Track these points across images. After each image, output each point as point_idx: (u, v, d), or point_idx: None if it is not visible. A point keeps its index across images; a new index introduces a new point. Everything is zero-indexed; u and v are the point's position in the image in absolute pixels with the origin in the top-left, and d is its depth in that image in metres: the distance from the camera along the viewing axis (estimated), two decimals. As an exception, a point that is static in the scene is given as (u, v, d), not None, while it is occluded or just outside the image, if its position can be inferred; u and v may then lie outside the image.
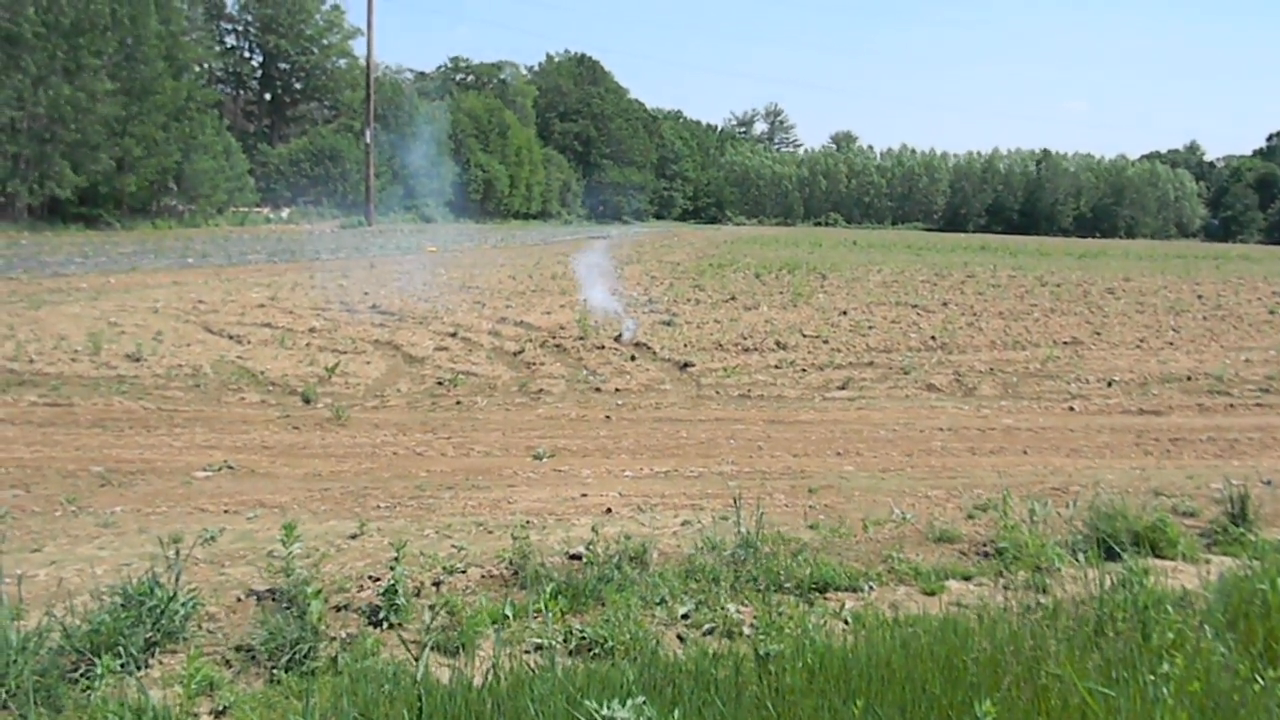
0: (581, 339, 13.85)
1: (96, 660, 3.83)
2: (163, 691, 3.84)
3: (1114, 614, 4.23)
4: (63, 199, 37.94)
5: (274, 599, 4.71)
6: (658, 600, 4.88)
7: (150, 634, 4.16)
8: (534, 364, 12.15)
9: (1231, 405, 11.02)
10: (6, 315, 14.18)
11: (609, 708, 3.05)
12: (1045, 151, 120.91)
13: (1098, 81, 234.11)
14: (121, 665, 3.90)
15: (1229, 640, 4.00)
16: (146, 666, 4.06)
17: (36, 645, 3.90)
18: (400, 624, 4.54)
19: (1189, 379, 12.30)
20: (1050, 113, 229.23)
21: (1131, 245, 78.20)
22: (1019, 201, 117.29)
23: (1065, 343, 15.14)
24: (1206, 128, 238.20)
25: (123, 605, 4.19)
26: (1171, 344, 15.52)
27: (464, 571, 5.20)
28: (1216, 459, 8.60)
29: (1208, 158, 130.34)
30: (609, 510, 6.51)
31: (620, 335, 14.23)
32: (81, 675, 3.85)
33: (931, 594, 5.19)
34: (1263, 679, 3.54)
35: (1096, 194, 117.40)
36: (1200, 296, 24.51)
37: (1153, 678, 3.38)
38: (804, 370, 12.20)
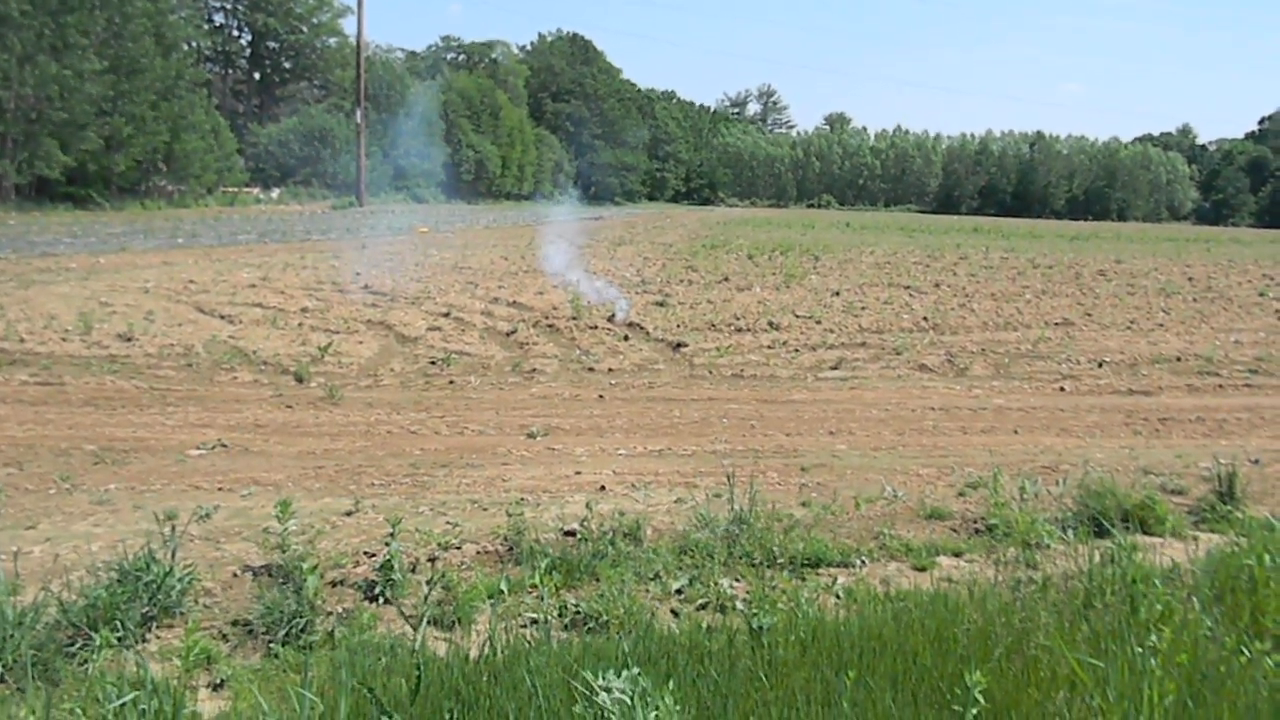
0: (574, 319, 13.85)
1: (93, 634, 3.84)
2: (160, 665, 3.87)
3: (1103, 588, 4.28)
4: (51, 179, 37.63)
5: (270, 574, 4.73)
6: (652, 575, 4.92)
7: (147, 609, 4.18)
8: (527, 344, 12.16)
9: (1220, 386, 11.10)
10: (-4, 295, 14.10)
11: (604, 679, 3.08)
12: (1039, 134, 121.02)
13: (1092, 64, 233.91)
14: (119, 639, 3.92)
15: (1216, 614, 4.06)
16: (143, 641, 4.08)
17: (33, 620, 3.92)
18: (396, 599, 4.57)
19: (1179, 360, 12.37)
20: (1044, 95, 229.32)
21: (1123, 228, 78.35)
22: (1012, 184, 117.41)
23: (1056, 324, 15.20)
24: (1199, 111, 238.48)
25: (119, 580, 4.21)
26: (1162, 325, 15.59)
27: (459, 547, 5.23)
28: (1205, 438, 8.67)
29: (1200, 141, 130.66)
30: (603, 488, 6.55)
31: (613, 315, 14.24)
32: (79, 649, 3.87)
33: (922, 569, 5.25)
34: (1249, 651, 3.60)
35: (1089, 176, 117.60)
36: (1191, 279, 24.60)
37: (1140, 650, 3.43)
38: (796, 350, 12.23)
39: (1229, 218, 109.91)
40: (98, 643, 3.75)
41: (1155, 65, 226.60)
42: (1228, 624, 4.00)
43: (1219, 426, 9.11)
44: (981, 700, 3.05)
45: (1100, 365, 11.91)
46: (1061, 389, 10.67)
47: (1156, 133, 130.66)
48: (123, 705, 3.14)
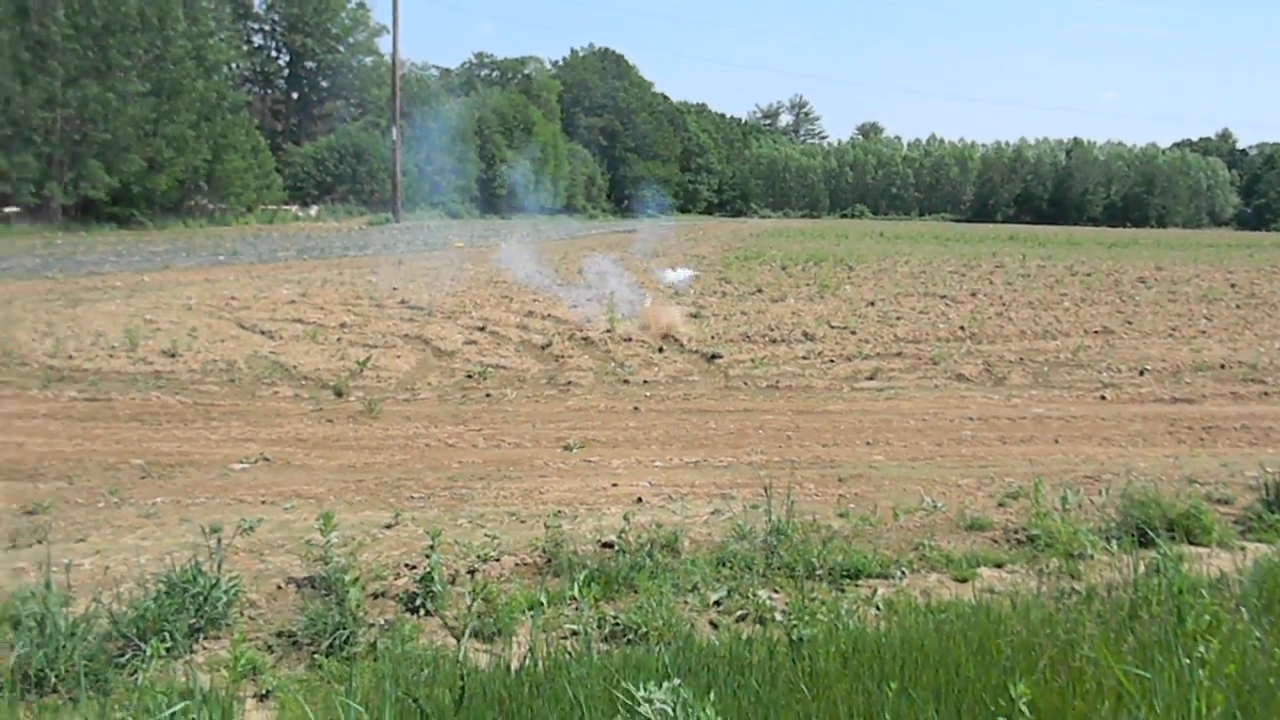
0: (609, 331, 13.90)
1: (143, 645, 3.92)
2: (208, 676, 3.93)
3: (1148, 598, 4.22)
4: (96, 199, 38.42)
5: (313, 586, 4.79)
6: (690, 587, 4.93)
7: (194, 620, 4.26)
8: (562, 356, 12.21)
9: (1265, 393, 10.90)
10: (45, 313, 14.42)
11: (645, 690, 3.09)
12: (1075, 140, 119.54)
13: (1129, 70, 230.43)
14: (168, 650, 4.00)
15: (1265, 624, 3.99)
16: (191, 652, 4.16)
17: (85, 631, 4.00)
18: (437, 610, 4.61)
19: (1222, 367, 12.18)
20: (1081, 102, 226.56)
21: (1163, 234, 77.23)
22: (1048, 191, 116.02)
23: (1096, 332, 15.02)
24: (1239, 115, 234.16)
25: (167, 592, 4.29)
26: (1204, 332, 15.35)
27: (498, 559, 5.27)
28: (1250, 447, 8.52)
29: (1240, 145, 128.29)
30: (640, 499, 6.56)
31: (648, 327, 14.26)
32: (129, 659, 3.95)
33: (964, 580, 5.20)
34: (1299, 663, 3.53)
35: (1127, 183, 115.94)
36: (1233, 285, 24.20)
37: (1188, 661, 3.38)
38: (832, 361, 12.19)
39: (1271, 223, 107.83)
40: (148, 653, 3.83)
41: (1193, 71, 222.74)
42: (1276, 635, 3.93)
43: (1265, 434, 8.95)
44: (1026, 712, 3.02)
45: (1142, 373, 11.75)
46: (1102, 398, 10.54)
47: (1195, 138, 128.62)
48: (173, 715, 3.20)
